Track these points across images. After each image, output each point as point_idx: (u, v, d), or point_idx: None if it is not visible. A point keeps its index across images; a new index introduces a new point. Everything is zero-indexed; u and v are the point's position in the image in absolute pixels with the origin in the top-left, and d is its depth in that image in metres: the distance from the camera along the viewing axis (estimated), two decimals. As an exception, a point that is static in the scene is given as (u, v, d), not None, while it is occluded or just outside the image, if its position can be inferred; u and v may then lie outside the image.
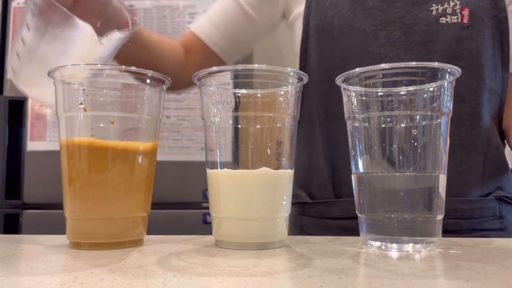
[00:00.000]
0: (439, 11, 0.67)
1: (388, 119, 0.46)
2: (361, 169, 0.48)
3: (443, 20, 0.67)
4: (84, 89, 0.47)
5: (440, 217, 0.46)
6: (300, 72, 0.48)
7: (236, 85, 0.48)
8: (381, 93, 0.46)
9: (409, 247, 0.45)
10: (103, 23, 0.58)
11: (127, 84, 0.49)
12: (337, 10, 0.72)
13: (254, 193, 0.46)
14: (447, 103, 0.46)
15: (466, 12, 0.66)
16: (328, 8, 0.73)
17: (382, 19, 0.70)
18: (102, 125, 0.48)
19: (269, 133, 0.48)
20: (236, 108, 0.49)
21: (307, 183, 0.76)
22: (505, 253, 0.44)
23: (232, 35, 0.84)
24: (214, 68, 0.48)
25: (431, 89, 0.45)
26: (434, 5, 0.68)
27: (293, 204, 0.54)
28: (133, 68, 0.49)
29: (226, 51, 0.85)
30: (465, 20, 0.66)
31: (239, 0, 0.82)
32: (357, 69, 0.47)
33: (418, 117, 0.46)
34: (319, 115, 0.75)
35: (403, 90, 0.45)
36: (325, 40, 0.73)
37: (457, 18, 0.66)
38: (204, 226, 1.35)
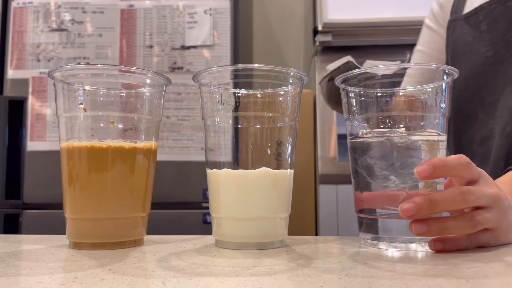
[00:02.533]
0: None
1: (387, 120, 0.46)
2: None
3: None
4: (84, 89, 0.47)
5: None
6: (300, 72, 0.48)
7: (236, 85, 0.48)
8: (379, 94, 0.46)
9: (409, 246, 0.45)
10: None
11: (127, 84, 0.49)
12: (463, 38, 0.79)
13: (254, 193, 0.46)
14: (444, 104, 0.46)
15: None
16: (457, 37, 0.81)
17: (490, 40, 0.75)
18: (102, 125, 0.48)
19: (269, 133, 0.48)
20: (236, 108, 0.49)
21: None
22: (505, 252, 0.44)
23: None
24: (214, 68, 0.48)
25: (429, 89, 0.45)
26: None
27: None
28: (133, 68, 0.49)
29: None
30: None
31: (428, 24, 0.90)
32: (356, 70, 0.47)
33: (417, 117, 0.46)
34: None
35: (401, 91, 0.45)
36: (454, 64, 0.80)
37: None
38: (204, 226, 1.35)
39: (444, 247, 0.43)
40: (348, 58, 0.74)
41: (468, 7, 0.79)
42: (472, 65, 0.76)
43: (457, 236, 0.44)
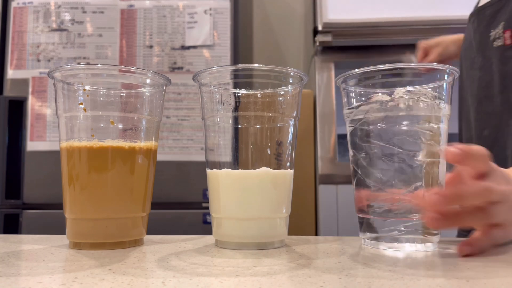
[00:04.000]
0: (492, 37, 0.73)
1: (386, 120, 0.46)
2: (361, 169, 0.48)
3: (494, 44, 0.73)
4: (84, 89, 0.47)
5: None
6: (300, 72, 0.48)
7: (236, 85, 0.48)
8: (380, 93, 0.46)
9: (409, 246, 0.45)
10: None
11: (127, 84, 0.49)
12: (468, 34, 0.82)
13: (254, 193, 0.46)
14: (445, 104, 0.46)
15: (508, 34, 0.71)
16: (466, 33, 0.83)
17: (473, 46, 0.78)
18: (102, 125, 0.48)
19: (269, 133, 0.48)
20: (236, 108, 0.49)
21: None
22: (505, 252, 0.44)
23: None
24: (214, 68, 0.48)
25: (429, 89, 0.45)
26: (491, 31, 0.74)
27: None
28: (133, 68, 0.49)
29: None
30: (508, 41, 0.71)
31: None
32: (356, 70, 0.47)
33: (416, 117, 0.45)
34: None
35: (402, 91, 0.45)
36: (461, 60, 0.84)
37: (501, 41, 0.72)
38: (204, 226, 1.35)
39: (473, 250, 0.43)
40: None
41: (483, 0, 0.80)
42: (467, 66, 0.78)
43: (477, 237, 0.44)
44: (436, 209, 0.42)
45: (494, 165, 0.46)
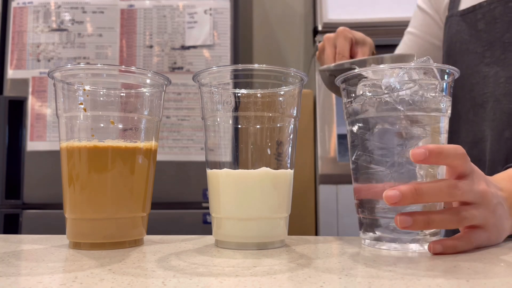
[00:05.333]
0: None
1: (386, 120, 0.46)
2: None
3: None
4: (84, 89, 0.47)
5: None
6: (300, 72, 0.48)
7: (236, 85, 0.48)
8: (381, 94, 0.46)
9: (409, 246, 0.45)
10: None
11: (127, 84, 0.49)
12: (460, 35, 0.77)
13: (254, 193, 0.46)
14: (446, 103, 0.46)
15: None
16: (454, 35, 0.79)
17: (487, 40, 0.73)
18: (102, 125, 0.48)
19: (269, 133, 0.48)
20: (236, 108, 0.49)
21: None
22: (505, 253, 0.44)
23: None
24: (214, 68, 0.48)
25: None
26: None
27: None
28: (133, 68, 0.49)
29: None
30: None
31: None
32: (356, 69, 0.47)
33: (417, 117, 0.45)
34: None
35: (402, 90, 0.45)
36: (451, 63, 0.79)
37: None
38: (204, 226, 1.35)
39: (444, 250, 0.43)
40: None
41: (466, 3, 0.78)
42: (468, 64, 0.74)
43: (454, 239, 0.44)
44: (394, 205, 0.41)
45: (475, 167, 0.46)
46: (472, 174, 0.45)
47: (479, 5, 0.74)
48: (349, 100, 0.49)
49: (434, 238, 0.45)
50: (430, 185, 0.42)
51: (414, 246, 0.45)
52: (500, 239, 0.47)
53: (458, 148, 0.43)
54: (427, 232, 0.45)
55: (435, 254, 0.43)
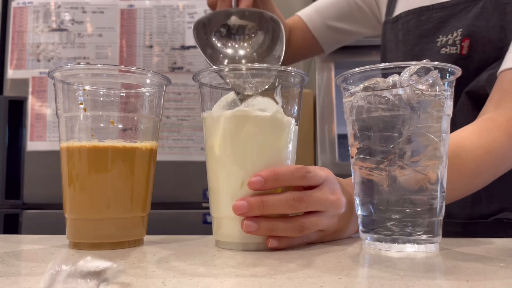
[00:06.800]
0: (442, 43, 0.71)
1: (387, 119, 0.46)
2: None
3: (443, 50, 0.70)
4: (84, 89, 0.47)
5: (440, 217, 0.46)
6: (301, 72, 0.48)
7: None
8: (379, 92, 0.46)
9: (409, 247, 0.45)
10: None
11: (127, 84, 0.49)
12: (389, 44, 0.79)
13: (254, 193, 0.46)
14: (448, 103, 0.46)
15: (466, 44, 0.68)
16: (386, 42, 0.81)
17: (403, 51, 0.75)
18: (102, 125, 0.48)
19: (269, 133, 0.48)
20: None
21: None
22: (505, 253, 0.44)
23: (334, 22, 0.91)
24: (214, 68, 0.48)
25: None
26: (440, 36, 0.71)
27: None
28: (133, 68, 0.49)
29: (325, 36, 0.91)
30: (464, 51, 0.68)
31: None
32: (356, 69, 0.47)
33: (419, 117, 0.45)
34: None
35: (400, 90, 0.45)
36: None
37: (456, 49, 0.69)
38: (204, 226, 1.35)
39: (280, 245, 0.45)
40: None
41: (396, 12, 0.79)
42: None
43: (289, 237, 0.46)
44: (241, 215, 0.44)
45: (329, 176, 0.47)
46: (324, 184, 0.47)
47: (400, 15, 0.77)
48: (349, 99, 0.49)
49: (434, 239, 0.46)
50: (276, 197, 0.44)
51: (413, 247, 0.45)
52: (337, 237, 0.51)
53: (297, 170, 0.45)
54: (425, 236, 0.45)
55: (272, 248, 0.45)
